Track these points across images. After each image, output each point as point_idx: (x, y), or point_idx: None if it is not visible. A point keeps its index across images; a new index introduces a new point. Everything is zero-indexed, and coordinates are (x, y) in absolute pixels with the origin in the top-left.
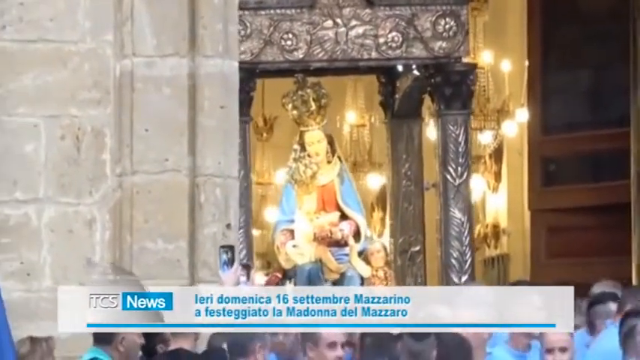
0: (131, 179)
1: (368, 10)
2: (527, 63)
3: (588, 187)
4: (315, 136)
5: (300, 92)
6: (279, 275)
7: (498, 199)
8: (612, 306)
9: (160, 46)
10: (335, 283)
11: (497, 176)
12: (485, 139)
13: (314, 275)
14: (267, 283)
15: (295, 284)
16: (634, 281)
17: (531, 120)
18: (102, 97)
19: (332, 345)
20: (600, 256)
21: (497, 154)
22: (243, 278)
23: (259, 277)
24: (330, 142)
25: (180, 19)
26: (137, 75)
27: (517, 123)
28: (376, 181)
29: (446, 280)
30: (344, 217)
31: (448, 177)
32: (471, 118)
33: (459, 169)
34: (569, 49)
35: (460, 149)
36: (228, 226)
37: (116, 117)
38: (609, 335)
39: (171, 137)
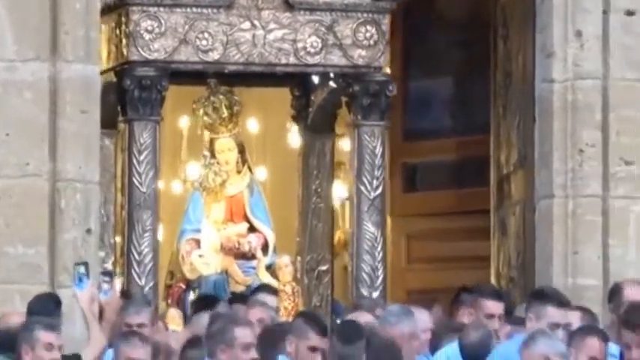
0: None
1: (287, 14)
2: (389, 71)
3: (449, 194)
4: (225, 144)
5: (212, 98)
6: (183, 286)
7: None
8: None
9: (21, 51)
10: (241, 296)
11: None
12: (346, 145)
13: (219, 287)
14: (170, 295)
15: (199, 295)
16: None
17: (392, 127)
18: None
19: (247, 347)
20: (461, 262)
21: None
22: (106, 286)
23: (118, 283)
24: (241, 152)
25: (41, 25)
26: None
27: None
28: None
29: (357, 296)
30: (252, 229)
31: (362, 189)
32: (387, 130)
33: (374, 182)
34: (430, 56)
35: (376, 162)
36: (89, 231)
37: None
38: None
39: (32, 142)
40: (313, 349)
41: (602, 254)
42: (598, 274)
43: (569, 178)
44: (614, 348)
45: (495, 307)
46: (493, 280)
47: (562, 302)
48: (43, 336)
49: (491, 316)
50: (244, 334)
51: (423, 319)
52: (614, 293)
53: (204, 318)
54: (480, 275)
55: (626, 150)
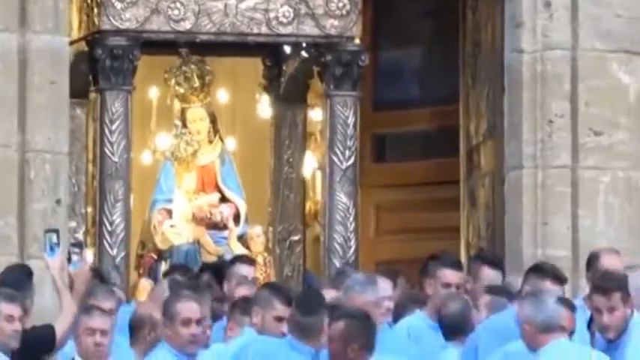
0: None
1: None
2: (358, 40)
3: (418, 164)
4: (197, 114)
5: (183, 68)
6: (154, 256)
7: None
8: None
9: None
10: (213, 266)
11: None
12: (315, 116)
13: (191, 257)
14: (141, 265)
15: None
16: (463, 258)
17: (362, 97)
18: None
19: (186, 322)
20: (430, 233)
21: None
22: (75, 257)
23: (90, 254)
24: (213, 122)
25: None
26: None
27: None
28: None
29: (328, 266)
30: (224, 199)
31: (335, 159)
32: (359, 100)
33: (347, 152)
34: (399, 27)
35: (348, 132)
36: (58, 201)
37: None
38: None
39: (0, 113)
40: (279, 319)
41: (572, 225)
42: (567, 244)
43: (539, 148)
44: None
45: (452, 276)
46: (462, 251)
47: (559, 278)
48: (4, 307)
49: (447, 285)
50: (186, 309)
51: (385, 288)
52: (591, 262)
53: (164, 286)
54: (450, 246)
55: (595, 120)
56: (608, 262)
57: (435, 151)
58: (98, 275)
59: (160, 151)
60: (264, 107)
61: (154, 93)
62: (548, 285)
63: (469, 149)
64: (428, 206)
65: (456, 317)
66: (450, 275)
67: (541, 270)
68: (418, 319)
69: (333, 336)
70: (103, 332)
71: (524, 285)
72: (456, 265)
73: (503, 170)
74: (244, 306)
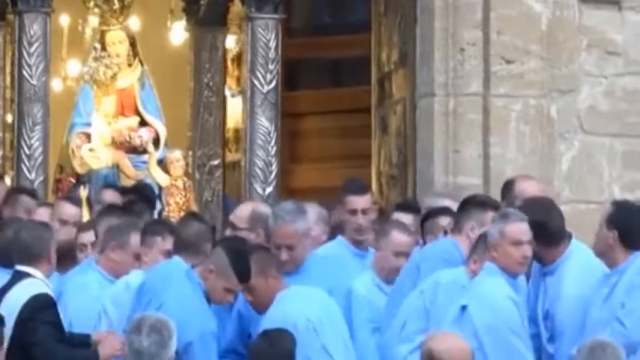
0: None
1: None
2: None
3: (330, 92)
4: (116, 37)
5: None
6: (73, 180)
7: (239, 102)
8: (443, 220)
9: None
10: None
11: (239, 81)
12: (229, 42)
13: (110, 181)
14: (59, 189)
15: (90, 190)
16: (374, 186)
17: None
18: None
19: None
20: (343, 161)
21: (240, 59)
22: None
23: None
24: (132, 44)
25: None
26: None
27: None
28: None
29: (249, 191)
30: (143, 123)
31: (256, 83)
32: (280, 23)
33: (268, 75)
34: None
35: (270, 55)
36: None
37: None
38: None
39: None
40: None
41: (483, 152)
42: (478, 172)
43: (450, 77)
44: None
45: (358, 201)
46: (374, 178)
47: (497, 207)
48: None
49: (354, 212)
50: (137, 241)
51: (310, 212)
52: (506, 189)
53: None
54: (362, 173)
55: (506, 49)
56: (525, 188)
57: (347, 78)
58: (29, 193)
59: (71, 78)
60: (177, 34)
61: (65, 20)
62: (492, 216)
63: (381, 77)
64: (340, 134)
65: None
66: (355, 201)
67: (482, 203)
68: (340, 246)
69: None
70: None
71: (469, 221)
72: (361, 190)
73: (415, 98)
74: (154, 228)
